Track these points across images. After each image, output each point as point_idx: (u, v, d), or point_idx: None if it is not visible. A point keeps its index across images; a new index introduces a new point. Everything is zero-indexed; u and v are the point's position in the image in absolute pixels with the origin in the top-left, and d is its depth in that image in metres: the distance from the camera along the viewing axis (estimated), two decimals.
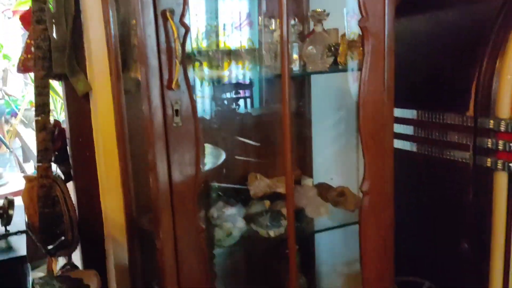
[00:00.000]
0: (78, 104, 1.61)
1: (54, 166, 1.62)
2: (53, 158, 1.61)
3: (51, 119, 1.57)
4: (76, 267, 1.64)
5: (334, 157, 1.82)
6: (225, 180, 1.72)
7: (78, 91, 1.53)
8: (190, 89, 1.10)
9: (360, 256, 1.39)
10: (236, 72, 1.80)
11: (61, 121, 1.74)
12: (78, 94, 1.55)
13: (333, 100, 1.84)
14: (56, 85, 2.79)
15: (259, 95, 1.83)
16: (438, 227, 1.69)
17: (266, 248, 1.82)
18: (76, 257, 1.70)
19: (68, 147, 1.65)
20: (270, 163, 1.74)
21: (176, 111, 1.08)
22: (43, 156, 1.53)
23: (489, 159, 1.44)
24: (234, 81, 1.80)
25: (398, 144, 1.81)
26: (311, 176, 1.77)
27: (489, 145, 1.44)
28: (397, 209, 1.60)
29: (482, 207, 1.49)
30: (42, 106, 1.52)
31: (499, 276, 1.48)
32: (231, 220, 1.30)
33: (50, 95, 1.56)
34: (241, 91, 1.85)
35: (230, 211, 1.34)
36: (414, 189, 1.78)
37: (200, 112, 1.78)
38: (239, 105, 1.83)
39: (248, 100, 1.86)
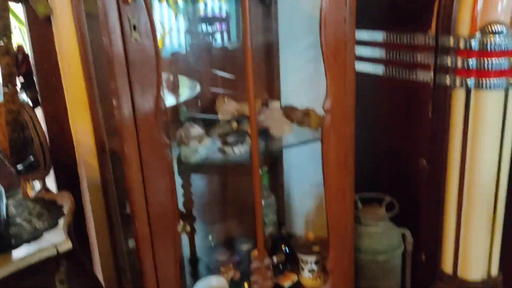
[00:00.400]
0: (41, 28, 1.58)
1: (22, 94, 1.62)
2: (19, 84, 1.61)
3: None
4: (50, 191, 1.68)
5: (303, 81, 1.85)
6: (199, 111, 1.74)
7: (39, 14, 1.50)
8: (148, 4, 1.09)
9: (323, 171, 1.45)
10: (212, 5, 1.77)
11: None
12: (39, 17, 1.51)
13: (301, 24, 1.83)
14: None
15: (236, 29, 1.81)
16: (398, 146, 1.77)
17: (238, 170, 1.89)
18: (52, 185, 1.75)
19: (33, 73, 1.64)
20: (244, 94, 1.75)
21: (134, 26, 1.08)
22: (8, 81, 1.52)
23: (448, 77, 1.48)
24: (210, 14, 1.77)
25: (364, 67, 1.84)
26: (278, 99, 1.80)
27: (449, 63, 1.47)
28: (361, 129, 1.66)
29: (441, 124, 1.55)
30: (3, 29, 1.48)
31: (455, 190, 1.58)
32: (197, 139, 1.34)
33: (10, 19, 1.52)
34: (217, 25, 1.83)
35: (197, 130, 1.37)
36: (378, 110, 1.84)
37: (175, 47, 1.77)
38: (215, 39, 1.82)
39: (225, 34, 1.84)
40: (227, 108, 1.58)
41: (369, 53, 1.82)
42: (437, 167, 1.60)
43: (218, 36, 1.83)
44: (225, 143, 1.42)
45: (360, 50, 1.82)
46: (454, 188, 1.58)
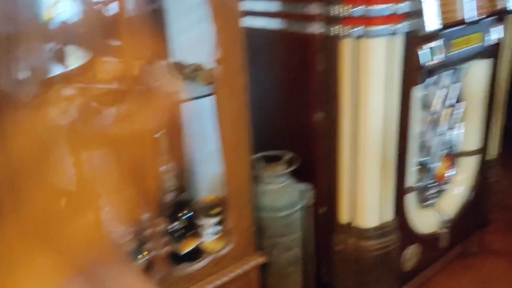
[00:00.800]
0: None
1: None
2: None
3: None
4: None
5: (194, 39, 1.76)
6: (90, 82, 1.59)
7: None
8: None
9: (218, 126, 1.40)
10: None
11: None
12: None
13: None
14: None
15: None
16: (295, 101, 1.75)
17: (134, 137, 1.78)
18: None
19: None
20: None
21: None
22: None
23: (336, 27, 1.48)
24: None
25: (260, 22, 1.79)
26: (168, 59, 1.70)
27: (336, 13, 1.46)
28: (259, 86, 1.62)
29: (331, 76, 1.55)
30: None
31: (348, 142, 1.59)
32: (69, 99, 1.20)
33: None
34: None
35: (69, 91, 1.23)
36: (275, 66, 1.81)
37: (65, 16, 1.60)
38: (109, 8, 1.67)
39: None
40: (106, 68, 1.45)
41: (264, 7, 1.76)
42: (330, 120, 1.61)
43: (113, 4, 1.69)
44: (102, 104, 1.30)
45: (255, 5, 1.77)
46: (347, 139, 1.60)
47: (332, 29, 1.49)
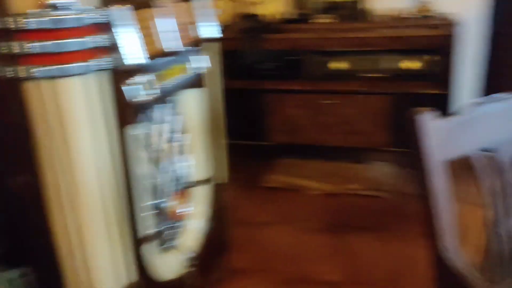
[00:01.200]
0: None
1: None
2: None
3: None
4: None
5: None
6: None
7: None
8: None
9: None
10: None
11: None
12: None
13: None
14: None
15: None
16: None
17: None
18: None
19: None
20: None
21: None
22: None
23: (13, 68, 1.17)
24: None
25: None
26: None
27: (7, 51, 1.16)
28: None
29: (25, 127, 1.24)
30: None
31: (60, 206, 1.30)
32: None
33: None
34: None
35: None
36: None
37: None
38: None
39: None
40: None
41: None
42: (36, 182, 1.28)
43: None
44: None
45: None
46: (58, 202, 1.30)
47: (9, 70, 1.17)
